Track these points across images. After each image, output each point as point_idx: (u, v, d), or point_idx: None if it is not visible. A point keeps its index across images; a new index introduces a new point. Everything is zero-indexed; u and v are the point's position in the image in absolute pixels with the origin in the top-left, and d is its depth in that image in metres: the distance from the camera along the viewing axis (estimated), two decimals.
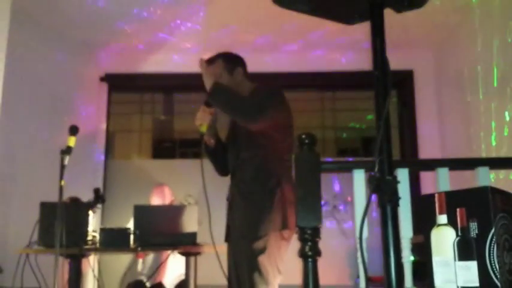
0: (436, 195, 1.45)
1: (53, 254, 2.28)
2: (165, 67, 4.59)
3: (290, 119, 2.29)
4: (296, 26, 4.03)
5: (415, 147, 4.48)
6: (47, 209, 2.58)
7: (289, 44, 4.45)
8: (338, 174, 4.22)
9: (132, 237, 2.63)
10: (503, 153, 3.19)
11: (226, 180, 2.40)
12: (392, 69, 1.20)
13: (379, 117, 1.17)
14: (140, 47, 4.52)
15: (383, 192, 1.14)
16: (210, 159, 2.42)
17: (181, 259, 2.86)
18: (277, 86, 2.40)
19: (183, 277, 2.99)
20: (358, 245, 1.55)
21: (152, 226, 2.72)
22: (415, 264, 1.72)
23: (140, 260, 3.65)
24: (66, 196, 2.51)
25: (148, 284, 3.41)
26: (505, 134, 3.20)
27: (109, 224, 3.89)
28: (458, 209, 1.39)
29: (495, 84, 3.34)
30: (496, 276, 1.33)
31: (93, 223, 2.78)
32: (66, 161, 2.37)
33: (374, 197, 1.15)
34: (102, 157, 4.53)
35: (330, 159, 3.98)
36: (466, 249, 1.37)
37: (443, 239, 1.41)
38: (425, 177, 4.07)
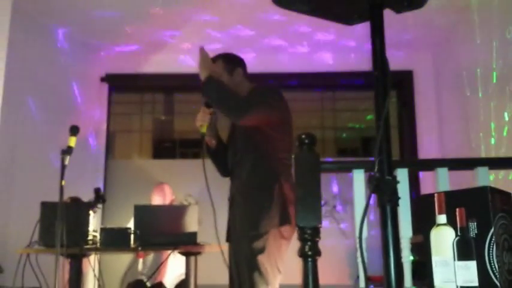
0: (436, 195, 1.45)
1: (53, 254, 2.28)
2: (166, 67, 4.60)
3: (287, 117, 2.29)
4: (296, 25, 4.04)
5: (415, 147, 4.49)
6: (48, 209, 2.59)
7: (290, 44, 4.45)
8: (337, 174, 4.23)
9: (132, 237, 2.64)
10: (503, 153, 3.19)
11: (228, 181, 2.41)
12: (392, 69, 1.20)
13: (379, 118, 1.17)
14: (141, 47, 4.53)
15: (383, 192, 1.14)
16: (211, 160, 2.43)
17: (182, 259, 2.86)
18: (274, 85, 2.41)
19: (183, 277, 2.99)
20: (357, 245, 1.55)
21: (152, 226, 2.72)
22: (414, 264, 1.72)
23: (140, 260, 3.66)
24: (66, 196, 2.51)
25: (148, 284, 3.41)
26: (504, 134, 3.21)
27: (109, 223, 3.89)
28: (457, 209, 1.40)
29: (494, 85, 3.35)
30: (495, 276, 1.34)
31: (94, 223, 2.79)
32: (66, 161, 2.37)
33: (372, 200, 1.16)
34: (103, 157, 4.54)
35: (329, 159, 3.98)
36: (465, 249, 1.37)
37: (443, 238, 1.41)
38: (425, 177, 4.08)
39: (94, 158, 4.46)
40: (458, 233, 1.39)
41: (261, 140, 2.21)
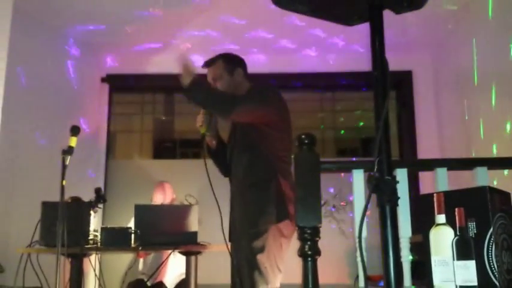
0: (435, 195, 1.46)
1: (54, 254, 2.28)
2: (166, 68, 4.59)
3: (285, 115, 2.29)
4: (296, 26, 4.04)
5: (414, 147, 4.49)
6: (49, 209, 2.59)
7: (289, 44, 4.46)
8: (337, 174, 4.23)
9: (133, 236, 2.64)
10: (502, 153, 3.20)
11: (228, 181, 2.42)
12: (391, 70, 1.21)
13: (378, 118, 1.17)
14: (141, 48, 4.53)
15: (382, 192, 1.14)
16: (213, 161, 2.44)
17: (182, 258, 2.86)
18: (272, 85, 2.42)
19: (183, 276, 3.00)
20: (357, 245, 1.55)
21: (153, 225, 2.73)
22: (414, 264, 1.73)
23: (141, 260, 3.66)
24: (67, 196, 2.52)
25: (149, 283, 3.41)
26: (506, 131, 3.21)
27: (110, 223, 3.90)
28: (456, 209, 1.40)
29: (493, 85, 3.35)
30: (494, 275, 1.34)
31: (95, 222, 2.79)
32: (67, 161, 2.38)
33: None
34: (104, 157, 4.55)
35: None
36: (464, 249, 1.38)
37: (442, 238, 1.42)
38: (424, 177, 4.08)
39: (95, 158, 4.46)
40: (458, 233, 1.39)
41: (258, 138, 2.22)
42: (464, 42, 3.88)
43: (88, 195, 2.85)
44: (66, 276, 2.65)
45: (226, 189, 2.39)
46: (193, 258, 2.76)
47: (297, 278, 1.66)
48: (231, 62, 2.38)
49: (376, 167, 1.15)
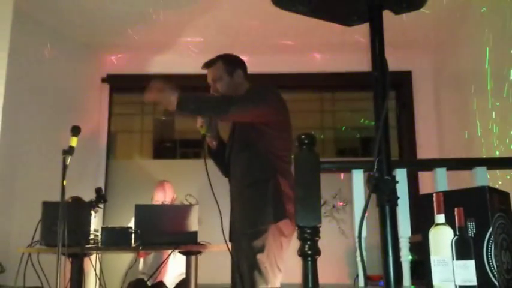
0: (434, 195, 1.46)
1: (55, 253, 2.28)
2: (166, 68, 4.61)
3: (284, 115, 2.30)
4: (296, 27, 4.05)
5: (414, 147, 4.50)
6: (49, 209, 2.59)
7: (289, 45, 4.46)
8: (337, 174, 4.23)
9: (133, 236, 2.65)
10: (501, 153, 3.20)
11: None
12: (391, 70, 1.21)
13: (378, 118, 1.18)
14: (141, 48, 4.54)
15: (382, 191, 1.15)
16: (214, 161, 2.45)
17: (182, 258, 2.87)
18: (270, 84, 2.42)
19: (183, 276, 3.00)
20: (357, 244, 1.56)
21: (153, 225, 2.73)
22: (413, 263, 1.74)
23: (141, 259, 3.67)
24: (68, 196, 2.53)
25: (149, 283, 3.42)
26: (503, 134, 3.21)
27: (110, 223, 3.91)
28: (456, 209, 1.40)
29: (493, 85, 3.36)
30: (493, 275, 1.35)
31: (95, 222, 2.79)
32: (68, 161, 2.38)
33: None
34: (104, 157, 4.55)
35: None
36: (463, 248, 1.38)
37: (442, 238, 1.42)
38: (424, 177, 4.09)
39: (95, 158, 4.47)
40: (457, 233, 1.40)
41: (257, 137, 2.22)
42: (464, 42, 3.89)
43: (88, 195, 2.85)
44: (67, 276, 2.66)
45: (227, 189, 2.40)
46: (193, 258, 2.76)
47: (297, 277, 1.66)
48: (231, 63, 2.38)
49: (375, 167, 1.15)
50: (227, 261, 2.31)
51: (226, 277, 2.44)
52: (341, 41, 4.09)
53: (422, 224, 1.48)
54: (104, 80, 4.64)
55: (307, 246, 1.61)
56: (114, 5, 3.80)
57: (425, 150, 4.43)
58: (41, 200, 2.66)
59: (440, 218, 1.42)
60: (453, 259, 1.39)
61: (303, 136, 1.68)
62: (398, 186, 1.17)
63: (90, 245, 2.66)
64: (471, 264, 1.36)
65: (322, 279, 1.64)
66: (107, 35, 4.29)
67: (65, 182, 2.35)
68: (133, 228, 2.66)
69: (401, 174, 1.77)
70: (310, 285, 1.59)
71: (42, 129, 3.90)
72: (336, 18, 1.35)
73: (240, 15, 3.96)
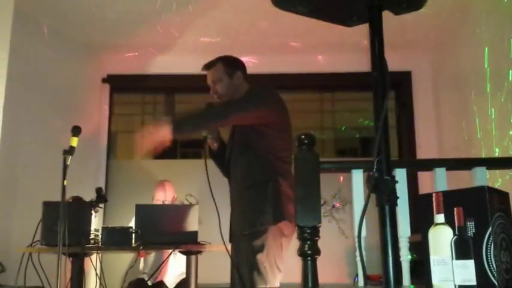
0: (434, 194, 1.46)
1: (55, 253, 2.29)
2: (167, 68, 4.62)
3: (282, 114, 2.30)
4: (296, 27, 4.05)
5: (413, 147, 4.50)
6: (50, 209, 2.60)
7: (289, 45, 4.47)
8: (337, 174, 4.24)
9: (133, 236, 2.65)
10: (500, 153, 3.21)
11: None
12: (390, 70, 1.22)
13: (378, 118, 1.18)
14: (142, 48, 4.54)
15: (381, 191, 1.15)
16: (215, 162, 2.45)
17: (183, 258, 2.87)
18: (268, 85, 2.43)
19: (184, 276, 3.01)
20: (357, 244, 1.56)
21: (153, 225, 2.74)
22: (413, 263, 1.74)
23: (142, 259, 3.67)
24: (68, 195, 2.53)
25: (149, 283, 3.42)
26: (502, 134, 3.22)
27: (111, 223, 3.91)
28: (455, 209, 1.41)
29: (492, 86, 3.36)
30: (493, 275, 1.35)
31: (95, 222, 2.80)
32: (68, 161, 2.39)
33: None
34: (104, 157, 4.56)
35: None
36: (463, 248, 1.38)
37: (441, 238, 1.42)
38: (423, 177, 4.09)
39: (96, 158, 4.48)
40: (456, 232, 1.40)
41: (257, 139, 2.22)
42: (463, 42, 3.89)
43: (89, 195, 2.85)
44: (67, 276, 2.66)
45: (227, 189, 2.40)
46: (193, 257, 2.76)
47: (297, 277, 1.67)
48: (231, 65, 2.38)
49: (375, 167, 1.16)
50: (227, 261, 2.32)
51: (226, 277, 2.44)
52: (341, 41, 4.09)
53: (421, 223, 1.48)
54: (104, 80, 4.66)
55: (307, 246, 1.61)
56: (114, 5, 3.81)
57: (424, 150, 4.43)
58: (42, 200, 2.67)
59: (440, 217, 1.43)
60: (452, 259, 1.39)
61: (302, 136, 1.69)
62: (397, 186, 1.18)
63: (90, 245, 2.66)
64: (470, 264, 1.36)
65: (321, 279, 1.64)
66: (107, 35, 4.30)
67: (65, 182, 2.36)
68: (133, 228, 2.67)
69: (400, 174, 1.78)
70: (310, 284, 1.60)
71: (42, 129, 3.91)
72: (336, 18, 1.36)
73: (240, 15, 3.96)
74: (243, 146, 2.27)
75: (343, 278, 4.25)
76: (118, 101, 4.85)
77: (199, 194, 3.82)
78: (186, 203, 3.28)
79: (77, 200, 2.76)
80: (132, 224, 2.86)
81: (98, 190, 2.86)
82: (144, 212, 2.77)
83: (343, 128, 5.03)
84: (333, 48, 4.48)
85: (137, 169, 4.71)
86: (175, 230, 2.72)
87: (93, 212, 2.75)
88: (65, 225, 2.30)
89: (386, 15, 1.27)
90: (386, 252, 1.13)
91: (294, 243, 1.82)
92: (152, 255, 3.63)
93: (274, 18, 3.85)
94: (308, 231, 1.62)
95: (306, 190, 1.63)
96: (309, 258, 1.61)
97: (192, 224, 2.73)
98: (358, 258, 1.71)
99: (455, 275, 1.38)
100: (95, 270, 2.61)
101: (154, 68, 4.63)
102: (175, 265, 3.51)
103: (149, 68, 4.63)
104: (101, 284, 2.59)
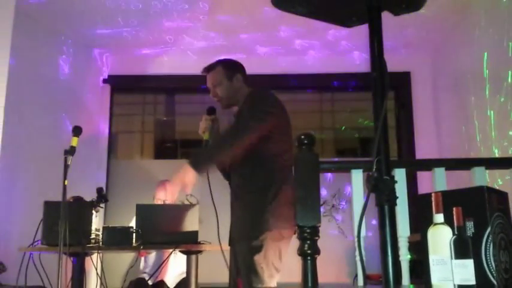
0: (433, 194, 1.46)
1: (56, 253, 2.30)
2: (167, 69, 4.63)
3: (284, 117, 2.30)
4: (296, 27, 4.06)
5: (412, 147, 4.51)
6: (51, 208, 2.60)
7: (289, 45, 4.47)
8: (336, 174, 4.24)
9: (134, 235, 2.66)
10: (499, 153, 3.21)
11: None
12: (389, 70, 1.22)
13: (377, 118, 1.19)
14: (142, 49, 4.55)
15: (381, 191, 1.16)
16: (216, 166, 2.45)
17: (183, 257, 2.88)
18: (267, 89, 2.43)
19: (184, 275, 3.01)
20: (356, 244, 1.57)
21: (154, 225, 2.74)
22: (412, 263, 1.74)
23: (142, 258, 3.68)
24: (69, 195, 2.54)
25: (150, 282, 3.43)
26: (501, 134, 3.22)
27: (112, 222, 3.92)
28: (454, 208, 1.41)
29: (491, 86, 3.36)
30: (492, 275, 1.35)
31: (96, 222, 2.80)
32: (69, 161, 2.39)
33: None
34: (105, 157, 4.57)
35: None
36: (462, 248, 1.38)
37: (440, 237, 1.42)
38: (423, 177, 4.10)
39: (96, 158, 4.48)
40: (456, 232, 1.40)
41: (257, 142, 2.21)
42: (463, 43, 3.89)
43: (90, 195, 2.86)
44: (68, 275, 2.66)
45: (228, 190, 2.41)
46: (194, 257, 2.77)
47: (297, 277, 1.67)
48: (231, 67, 2.38)
49: (374, 167, 1.16)
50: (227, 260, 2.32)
51: (226, 277, 2.45)
52: (341, 42, 4.10)
53: (421, 223, 1.49)
54: (105, 81, 4.67)
55: (306, 245, 1.62)
56: (115, 6, 3.81)
57: (424, 150, 4.44)
58: (43, 200, 2.67)
59: (439, 217, 1.43)
60: (452, 258, 1.39)
61: (302, 136, 1.69)
62: (397, 186, 1.18)
63: (91, 245, 2.66)
64: (470, 263, 1.36)
65: (321, 279, 1.65)
66: (108, 36, 4.31)
67: (66, 182, 2.36)
68: (134, 228, 2.67)
69: (400, 174, 1.79)
70: (309, 284, 1.61)
71: (43, 129, 3.92)
72: (335, 19, 1.36)
73: (240, 16, 3.97)
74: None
75: (342, 277, 4.26)
76: (119, 101, 4.86)
77: (200, 194, 3.82)
78: (186, 203, 3.27)
79: (78, 199, 2.77)
80: (132, 223, 2.87)
81: (99, 190, 2.86)
82: (145, 212, 2.78)
83: (342, 128, 5.03)
84: (333, 49, 4.48)
85: (138, 169, 4.72)
86: (176, 230, 2.73)
87: (93, 211, 2.75)
88: (65, 225, 2.30)
89: (386, 16, 1.27)
90: (386, 252, 1.14)
91: (294, 243, 1.83)
92: (153, 255, 3.64)
93: (274, 19, 3.86)
94: (308, 231, 1.63)
95: (305, 190, 1.64)
96: (308, 258, 1.62)
97: (192, 223, 2.73)
98: (357, 258, 1.72)
99: (455, 274, 1.38)
100: (96, 269, 2.62)
101: (154, 69, 4.64)
102: (176, 265, 3.51)
103: (150, 68, 4.64)
104: (101, 283, 2.59)
